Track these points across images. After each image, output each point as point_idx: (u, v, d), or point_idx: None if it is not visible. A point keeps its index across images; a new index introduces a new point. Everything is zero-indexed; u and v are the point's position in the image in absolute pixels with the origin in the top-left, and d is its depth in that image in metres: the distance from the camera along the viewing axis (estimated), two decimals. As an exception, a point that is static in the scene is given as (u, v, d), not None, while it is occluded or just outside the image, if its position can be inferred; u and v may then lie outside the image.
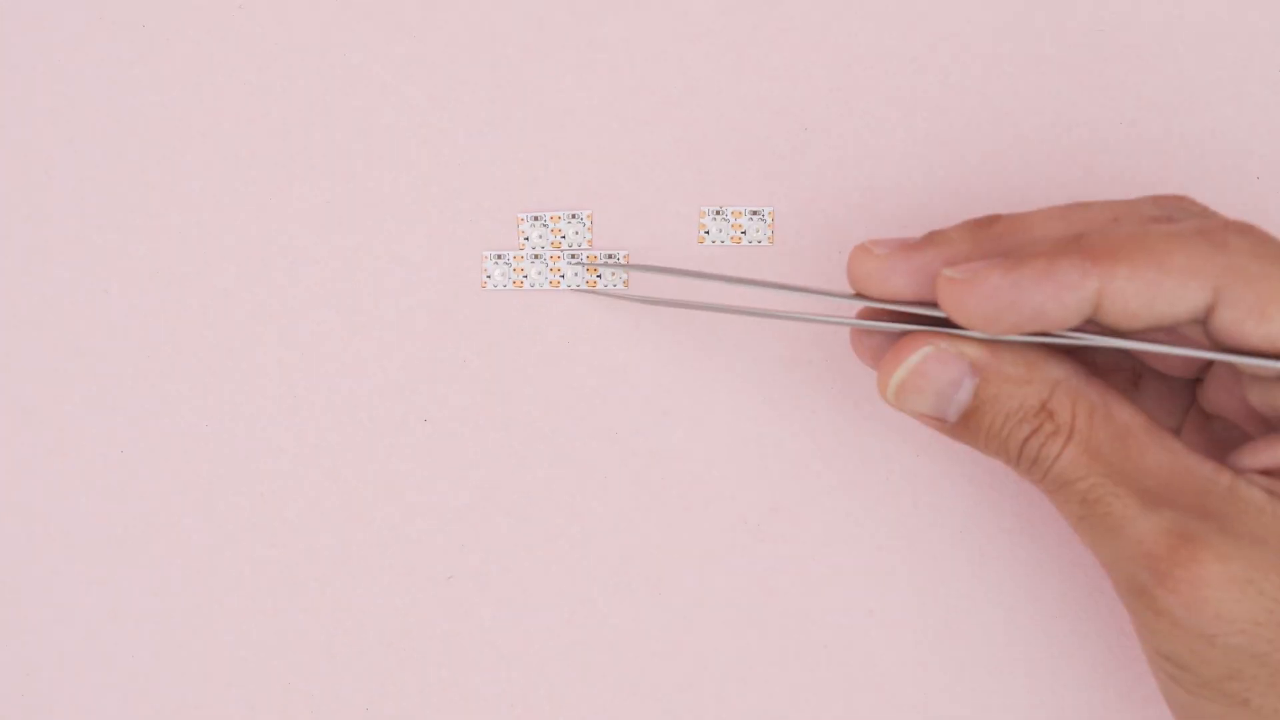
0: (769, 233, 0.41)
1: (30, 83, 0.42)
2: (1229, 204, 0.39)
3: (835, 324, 0.34)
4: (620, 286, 0.40)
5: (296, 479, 0.41)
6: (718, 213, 0.41)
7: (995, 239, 0.32)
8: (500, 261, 0.41)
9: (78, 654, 0.42)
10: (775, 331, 0.40)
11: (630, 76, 0.41)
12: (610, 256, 0.41)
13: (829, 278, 0.40)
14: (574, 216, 0.41)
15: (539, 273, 0.41)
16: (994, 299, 0.30)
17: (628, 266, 0.40)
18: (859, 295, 0.34)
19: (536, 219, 0.41)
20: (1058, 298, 0.29)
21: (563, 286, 0.40)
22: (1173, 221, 0.31)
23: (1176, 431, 0.35)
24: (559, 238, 0.41)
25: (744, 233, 0.41)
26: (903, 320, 0.34)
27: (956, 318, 0.31)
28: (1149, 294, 0.29)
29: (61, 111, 0.42)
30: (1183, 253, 0.29)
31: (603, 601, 0.41)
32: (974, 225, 0.33)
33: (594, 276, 0.40)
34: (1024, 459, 0.32)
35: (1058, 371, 0.31)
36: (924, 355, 0.32)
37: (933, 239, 0.33)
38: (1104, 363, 0.35)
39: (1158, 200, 0.32)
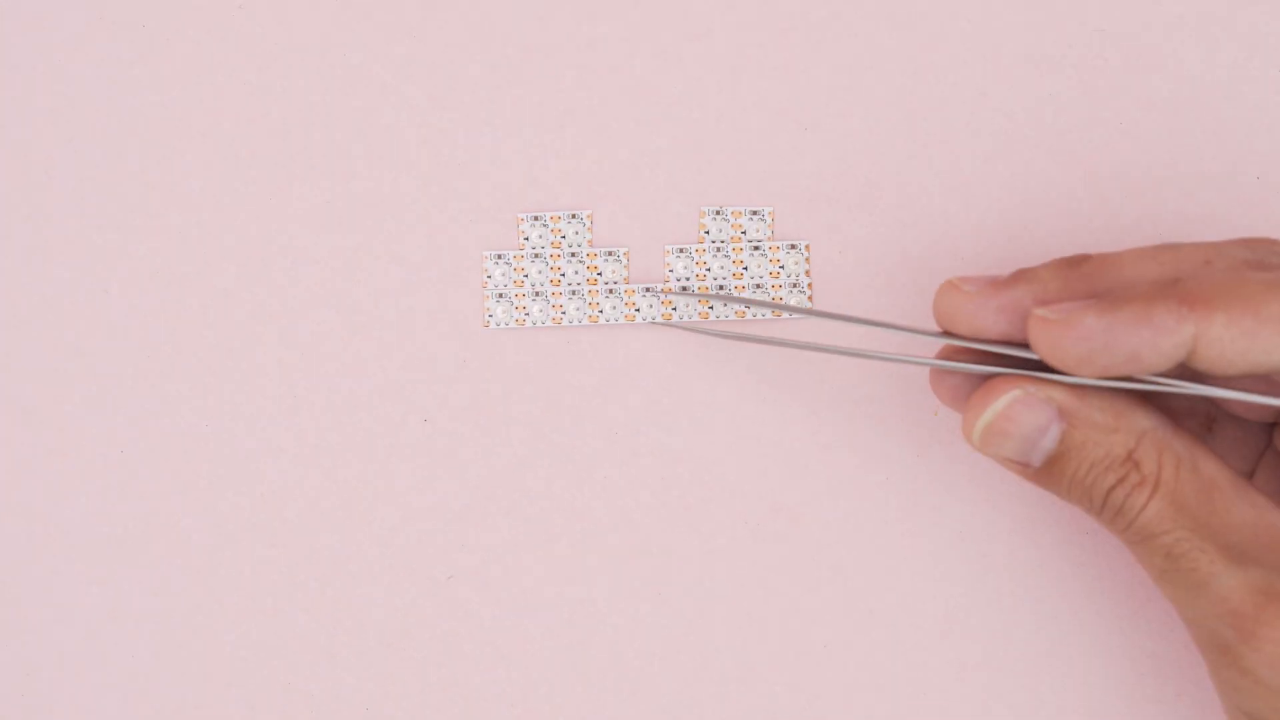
0: (769, 232, 0.41)
1: (30, 83, 0.42)
2: (1229, 204, 0.40)
3: (916, 364, 0.34)
4: (696, 317, 0.40)
5: (296, 479, 0.41)
6: (718, 213, 0.41)
7: (1085, 279, 0.32)
8: (500, 262, 0.41)
9: (78, 654, 0.42)
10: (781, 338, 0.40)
11: (630, 76, 0.41)
12: (610, 252, 0.41)
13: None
14: (574, 216, 0.41)
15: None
16: (1089, 341, 0.29)
17: (705, 296, 0.39)
18: (945, 333, 0.33)
19: (536, 219, 0.41)
20: (1153, 342, 0.29)
21: (638, 320, 0.40)
22: (1266, 267, 0.31)
23: (1250, 475, 0.34)
24: (559, 238, 0.41)
25: (744, 233, 0.41)
26: (981, 359, 0.33)
27: (1049, 359, 0.30)
28: (1245, 342, 0.29)
29: (61, 111, 0.42)
30: None
31: (603, 601, 0.41)
32: (1063, 264, 0.32)
33: (670, 309, 0.40)
34: (1108, 509, 0.31)
35: (1145, 421, 0.31)
36: (1012, 399, 0.31)
37: (1022, 276, 0.32)
38: (1179, 406, 0.35)
39: (1248, 243, 0.32)
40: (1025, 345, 0.32)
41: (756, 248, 0.41)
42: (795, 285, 0.40)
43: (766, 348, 0.40)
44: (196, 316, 0.42)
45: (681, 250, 0.41)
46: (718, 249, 0.41)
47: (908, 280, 0.40)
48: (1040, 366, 0.32)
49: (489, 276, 0.41)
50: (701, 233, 0.41)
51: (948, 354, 0.34)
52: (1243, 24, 0.40)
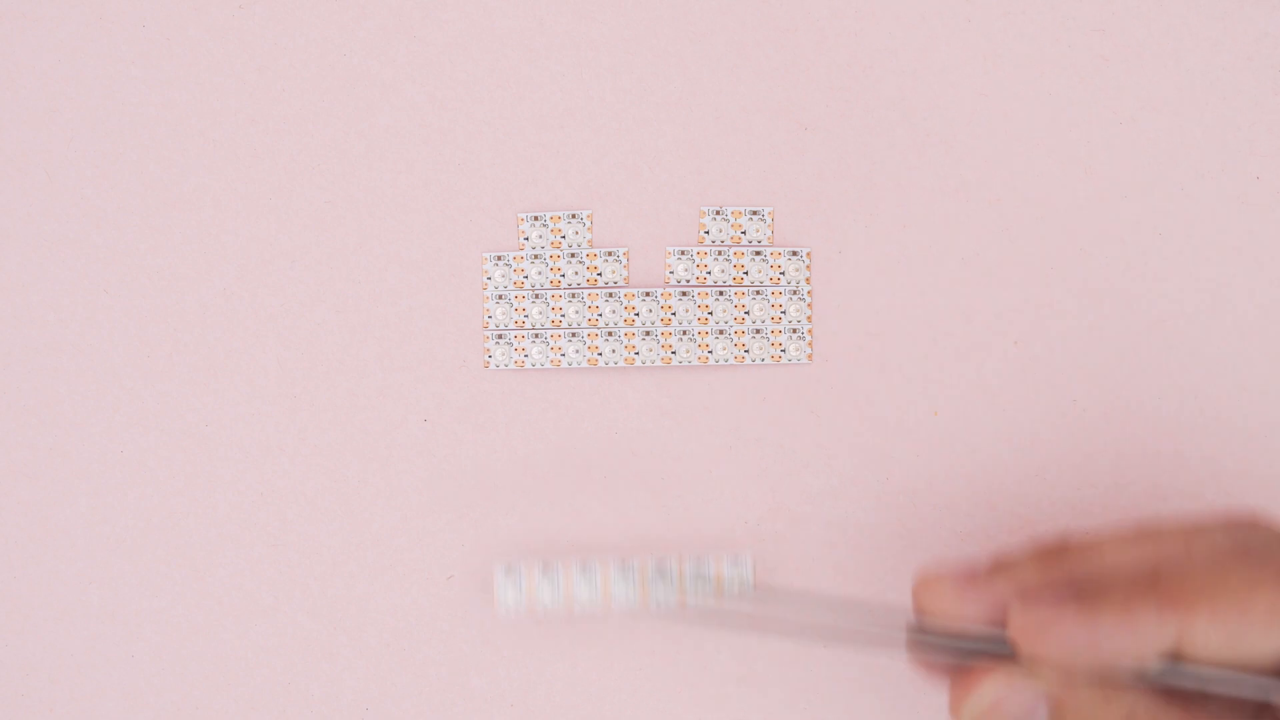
0: (770, 232, 0.41)
1: (30, 83, 0.42)
2: (1229, 204, 0.40)
3: (896, 649, 0.33)
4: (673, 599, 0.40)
5: (296, 479, 0.41)
6: (718, 213, 0.41)
7: (1064, 569, 0.32)
8: (500, 263, 0.41)
9: (78, 654, 0.42)
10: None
11: (630, 76, 0.41)
12: (610, 252, 0.41)
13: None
14: (574, 216, 0.41)
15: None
16: (1071, 643, 0.30)
17: (687, 604, 0.38)
18: (921, 627, 0.33)
19: (536, 219, 0.41)
20: (1136, 642, 0.29)
21: (613, 606, 0.38)
22: (1248, 552, 0.30)
23: None
24: (559, 238, 0.41)
25: (744, 233, 0.41)
26: (961, 637, 0.33)
27: (1033, 657, 0.30)
28: (1230, 638, 0.29)
29: (61, 111, 0.42)
30: (1265, 596, 0.28)
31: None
32: (1043, 555, 0.32)
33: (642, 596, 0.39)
34: None
35: (1132, 699, 0.31)
36: (998, 689, 0.31)
37: (1000, 569, 0.32)
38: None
39: (1229, 528, 0.32)
40: (1003, 627, 0.32)
41: (758, 253, 0.41)
42: (795, 292, 0.40)
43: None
44: (196, 316, 0.42)
45: (683, 252, 0.41)
46: (719, 253, 0.41)
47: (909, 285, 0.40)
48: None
49: (489, 278, 0.41)
50: (701, 233, 0.41)
51: (927, 629, 0.34)
52: (1243, 24, 0.40)
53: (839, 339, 0.40)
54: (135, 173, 0.42)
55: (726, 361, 0.41)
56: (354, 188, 0.41)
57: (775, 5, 0.41)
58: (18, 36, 0.42)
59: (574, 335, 0.41)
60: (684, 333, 0.41)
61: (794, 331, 0.41)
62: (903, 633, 0.33)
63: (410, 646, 0.41)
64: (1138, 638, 0.29)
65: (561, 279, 0.41)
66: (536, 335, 0.41)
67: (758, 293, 0.41)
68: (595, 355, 0.41)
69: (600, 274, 0.41)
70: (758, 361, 0.41)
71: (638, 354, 0.41)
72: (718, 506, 0.41)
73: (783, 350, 0.41)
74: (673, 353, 0.41)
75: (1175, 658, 0.30)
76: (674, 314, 0.41)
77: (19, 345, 0.42)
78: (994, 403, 0.40)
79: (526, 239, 0.41)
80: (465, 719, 0.41)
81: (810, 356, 0.41)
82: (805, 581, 0.40)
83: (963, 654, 0.32)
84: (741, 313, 0.41)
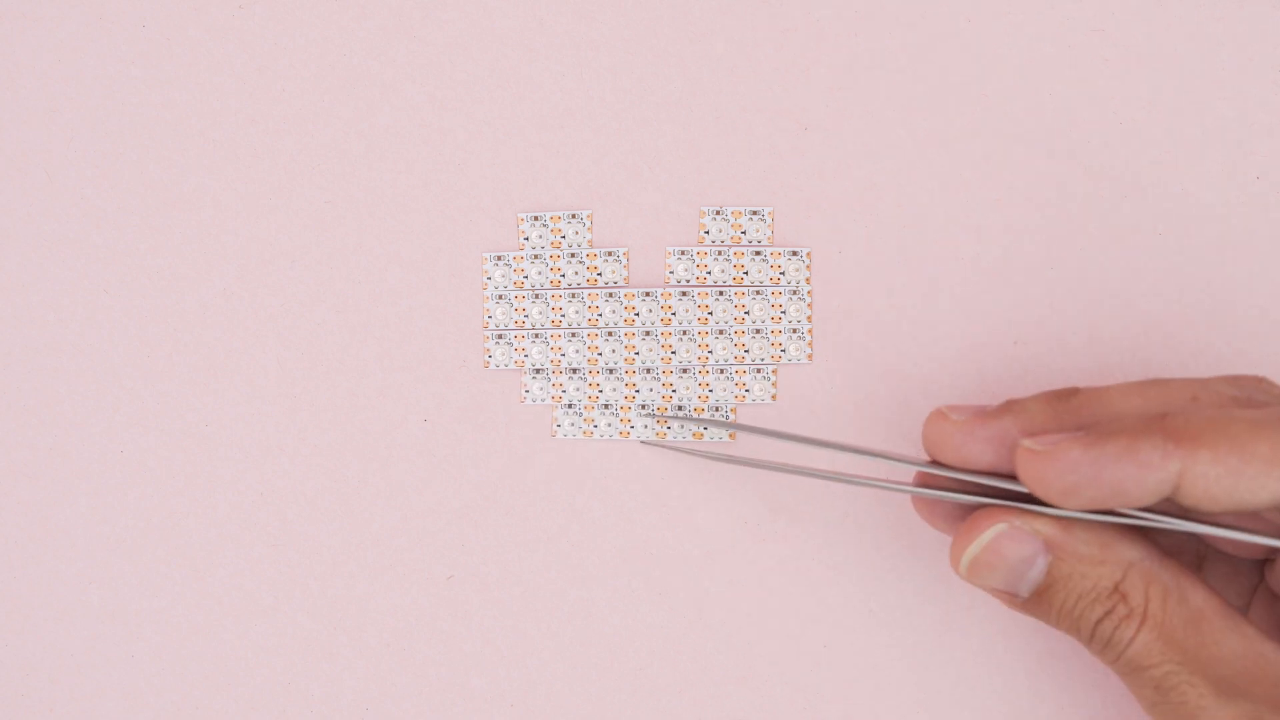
0: (770, 232, 0.41)
1: (30, 83, 0.42)
2: (1229, 204, 0.40)
3: (906, 492, 0.34)
4: (690, 438, 0.40)
5: (296, 479, 0.41)
6: (718, 213, 0.41)
7: (1073, 412, 0.32)
8: (500, 263, 0.41)
9: (78, 654, 0.42)
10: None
11: (630, 76, 0.41)
12: (610, 252, 0.41)
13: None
14: (574, 216, 0.41)
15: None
16: (1074, 473, 0.30)
17: (700, 421, 0.39)
18: (933, 461, 0.33)
19: (536, 219, 0.41)
20: (1138, 476, 0.29)
21: (632, 438, 0.40)
22: (1253, 404, 0.31)
23: (1244, 611, 0.34)
24: (559, 238, 0.41)
25: (744, 233, 0.41)
26: (968, 487, 0.33)
27: (1035, 490, 0.31)
28: (1231, 480, 0.29)
29: (61, 111, 0.42)
30: (1267, 440, 0.29)
31: (603, 601, 0.41)
32: (1052, 396, 0.33)
33: (664, 428, 0.40)
34: (1097, 640, 0.31)
35: (1131, 552, 0.31)
36: (998, 532, 0.32)
37: (1010, 408, 0.33)
38: (1169, 543, 0.35)
39: (1236, 380, 0.32)
40: (1012, 476, 0.32)
41: (758, 253, 0.41)
42: (795, 292, 0.40)
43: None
44: (196, 316, 0.42)
45: (683, 253, 0.41)
46: (719, 253, 0.41)
47: (907, 284, 0.40)
48: (1027, 497, 0.32)
49: (489, 278, 0.41)
50: (701, 233, 0.41)
51: (934, 479, 0.34)
52: (1243, 24, 0.40)
53: (839, 339, 0.40)
54: (135, 173, 0.42)
55: (726, 361, 0.41)
56: (354, 188, 0.41)
57: (775, 5, 0.41)
58: (18, 36, 0.42)
59: (574, 335, 0.41)
60: (684, 333, 0.41)
61: (794, 331, 0.41)
62: (911, 474, 0.34)
63: (410, 646, 0.41)
64: (1140, 471, 0.29)
65: (561, 279, 0.41)
66: (536, 335, 0.41)
67: (758, 293, 0.41)
68: (595, 355, 0.41)
69: (600, 274, 0.41)
70: (758, 361, 0.41)
71: (638, 354, 0.41)
72: (717, 506, 0.41)
73: (783, 350, 0.41)
74: (673, 353, 0.41)
75: (1178, 507, 0.30)
76: (674, 314, 0.41)
77: (19, 345, 0.42)
78: (994, 403, 0.40)
79: (526, 239, 0.41)
80: (465, 719, 0.41)
81: (810, 356, 0.41)
82: (804, 582, 0.40)
83: (968, 496, 0.33)
84: (741, 313, 0.41)
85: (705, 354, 0.41)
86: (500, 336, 0.41)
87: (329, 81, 0.41)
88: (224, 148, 0.42)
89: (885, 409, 0.40)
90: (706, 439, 0.40)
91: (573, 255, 0.41)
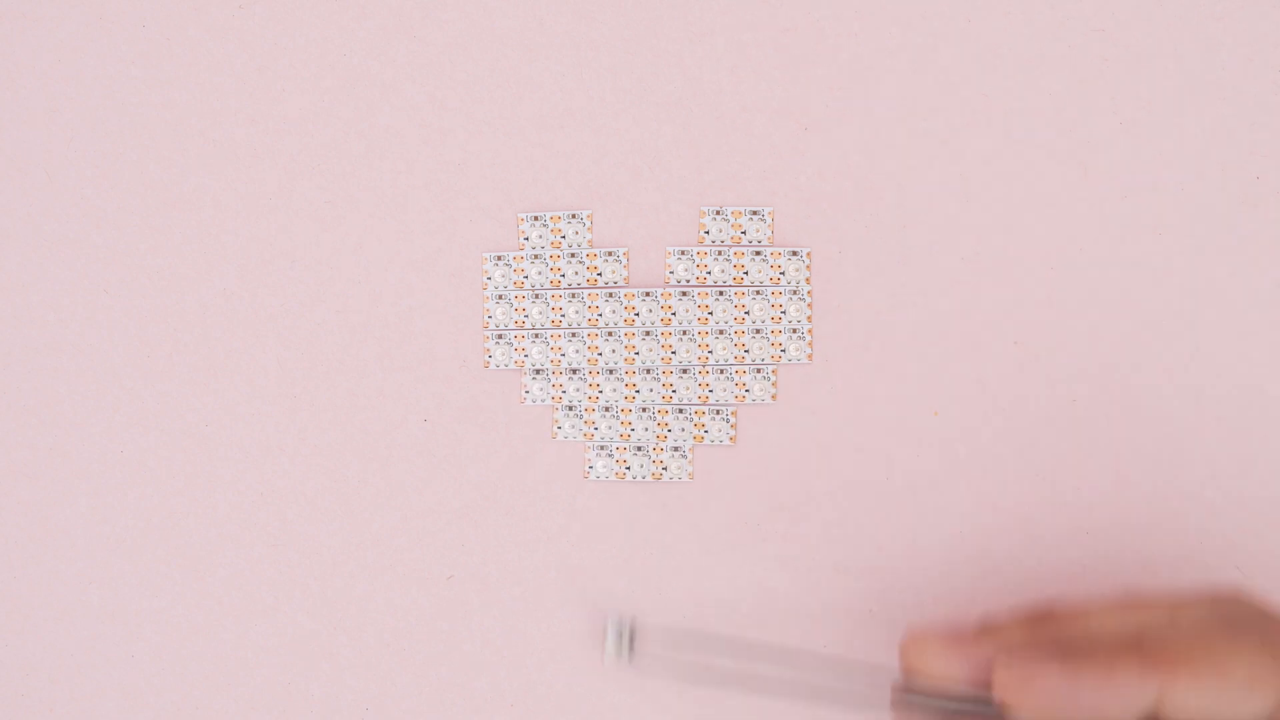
0: (770, 232, 0.41)
1: (30, 83, 0.42)
2: (1229, 204, 0.40)
3: (880, 709, 0.34)
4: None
5: (296, 479, 0.41)
6: (718, 213, 0.41)
7: (1050, 633, 0.32)
8: (500, 263, 0.41)
9: (78, 654, 0.42)
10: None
11: (630, 76, 0.41)
12: (610, 252, 0.41)
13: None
14: (574, 216, 0.41)
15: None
16: (1053, 696, 0.30)
17: (668, 642, 0.38)
18: (907, 689, 0.33)
19: (536, 219, 0.41)
20: (1116, 699, 0.29)
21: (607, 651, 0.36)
22: (1232, 624, 0.31)
23: None
24: (559, 238, 0.41)
25: (744, 233, 0.41)
26: (946, 694, 0.33)
27: (1013, 710, 0.31)
28: (1210, 701, 0.29)
29: (61, 111, 0.42)
30: (1245, 662, 0.29)
31: (603, 601, 0.41)
32: (1029, 619, 0.33)
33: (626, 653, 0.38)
34: None
35: None
36: None
37: (988, 631, 0.33)
38: None
39: (1214, 602, 0.32)
40: (988, 695, 0.32)
41: (758, 253, 0.41)
42: (795, 292, 0.40)
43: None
44: (196, 316, 0.42)
45: (683, 253, 0.41)
46: (719, 253, 0.41)
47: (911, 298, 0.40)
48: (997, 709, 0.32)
49: (489, 278, 0.41)
50: (701, 233, 0.41)
51: (912, 692, 0.34)
52: (1243, 24, 0.40)
53: (839, 339, 0.40)
54: (135, 173, 0.42)
55: (726, 361, 0.41)
56: (354, 188, 0.41)
57: (775, 5, 0.41)
58: (18, 36, 0.42)
59: (574, 335, 0.41)
60: (684, 333, 0.41)
61: (794, 331, 0.41)
62: (888, 693, 0.34)
63: (410, 646, 0.41)
64: (1118, 696, 0.30)
65: (561, 279, 0.41)
66: (536, 335, 0.41)
67: (758, 293, 0.41)
68: (595, 355, 0.41)
69: (600, 274, 0.41)
70: (758, 361, 0.41)
71: (637, 354, 0.41)
72: (717, 506, 0.41)
73: (783, 350, 0.41)
74: (673, 353, 0.41)
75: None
76: (674, 314, 0.41)
77: (19, 345, 0.42)
78: (994, 403, 0.40)
79: (526, 239, 0.41)
80: (465, 719, 0.41)
81: (810, 356, 0.41)
82: (806, 583, 0.40)
83: (947, 715, 0.33)
84: (741, 313, 0.41)
85: (705, 354, 0.41)
86: (500, 336, 0.41)
87: (329, 81, 0.41)
88: (224, 148, 0.42)
89: (885, 409, 0.40)
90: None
91: (573, 255, 0.41)
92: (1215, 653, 0.30)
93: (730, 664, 0.36)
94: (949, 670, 0.32)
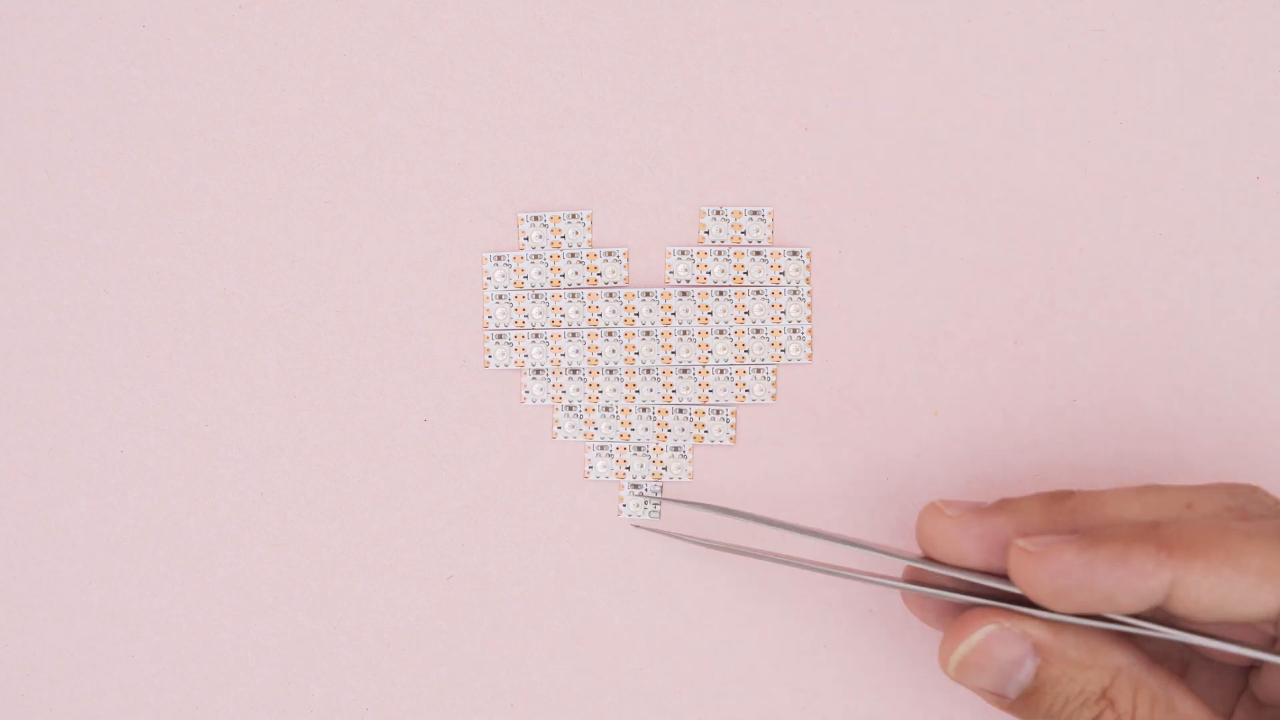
0: (770, 232, 0.41)
1: (30, 83, 0.42)
2: (1229, 204, 0.40)
3: (895, 587, 0.34)
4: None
5: (296, 479, 0.41)
6: (718, 213, 0.41)
7: (1068, 514, 0.32)
8: (500, 263, 0.41)
9: (78, 654, 0.42)
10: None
11: (630, 76, 0.41)
12: (610, 252, 0.41)
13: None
14: (574, 216, 0.41)
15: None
16: (1066, 577, 0.30)
17: (689, 504, 0.39)
18: (925, 557, 0.34)
19: (536, 219, 0.41)
20: (1130, 584, 0.29)
21: (624, 517, 0.40)
22: (1248, 515, 0.31)
23: (1227, 717, 0.34)
24: (559, 238, 0.41)
25: (744, 233, 0.41)
26: (960, 586, 0.33)
27: (1027, 591, 0.31)
28: (1222, 592, 0.29)
29: (61, 111, 0.42)
30: (1260, 554, 0.29)
31: (603, 601, 0.41)
32: (1047, 498, 0.33)
33: (655, 512, 0.40)
34: None
35: (1120, 658, 0.31)
36: (987, 633, 0.32)
37: (1005, 507, 0.33)
38: (1156, 648, 0.35)
39: (1231, 490, 0.32)
40: (1004, 575, 0.32)
41: (758, 253, 0.41)
42: (795, 292, 0.40)
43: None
44: (196, 316, 0.42)
45: (683, 253, 0.41)
46: (719, 253, 0.41)
47: (910, 288, 0.40)
48: (1018, 598, 0.32)
49: (489, 278, 0.41)
50: (701, 233, 0.41)
51: (925, 575, 0.34)
52: (1243, 24, 0.40)
53: (839, 339, 0.40)
54: (135, 173, 0.42)
55: (726, 361, 0.41)
56: (354, 188, 0.41)
57: (775, 5, 0.41)
58: (18, 36, 0.42)
59: (574, 335, 0.41)
60: (684, 333, 0.41)
61: (794, 331, 0.41)
62: (901, 569, 0.34)
63: (410, 646, 0.41)
64: (1132, 578, 0.29)
65: (561, 279, 0.41)
66: (536, 335, 0.41)
67: (758, 293, 0.41)
68: (595, 355, 0.41)
69: (600, 274, 0.41)
70: (758, 361, 0.41)
71: (638, 354, 0.41)
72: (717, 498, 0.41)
73: (783, 350, 0.41)
74: (673, 353, 0.41)
75: (1167, 614, 0.30)
76: (674, 314, 0.41)
77: (19, 345, 0.42)
78: (994, 403, 0.40)
79: (526, 239, 0.41)
80: (465, 719, 0.41)
81: (810, 356, 0.41)
82: (807, 583, 0.40)
83: (959, 594, 0.33)
84: (741, 313, 0.41)
85: (705, 354, 0.41)
86: (500, 336, 0.41)
87: (329, 81, 0.41)
88: (224, 148, 0.42)
89: (885, 409, 0.40)
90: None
91: (573, 255, 0.41)
92: (1231, 544, 0.29)
93: (747, 536, 0.37)
94: (963, 542, 0.32)
